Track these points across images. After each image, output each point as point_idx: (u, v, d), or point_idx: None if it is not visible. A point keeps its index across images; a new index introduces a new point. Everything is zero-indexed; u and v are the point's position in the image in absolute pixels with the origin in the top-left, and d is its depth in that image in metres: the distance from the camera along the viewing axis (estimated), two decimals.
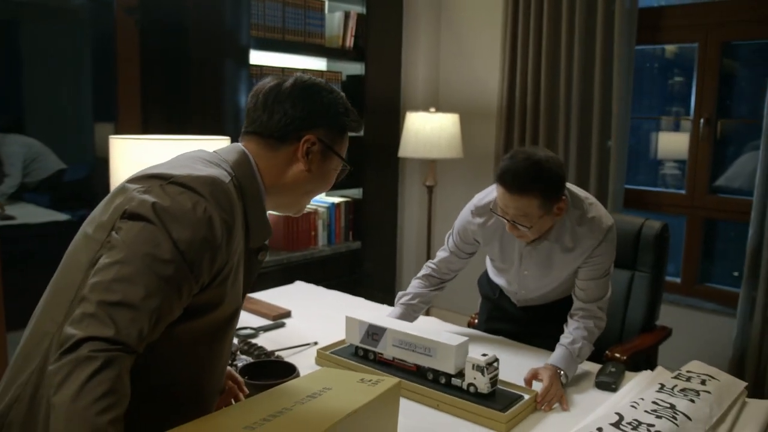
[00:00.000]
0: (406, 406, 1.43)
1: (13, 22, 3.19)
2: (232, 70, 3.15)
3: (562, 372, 1.61)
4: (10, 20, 3.17)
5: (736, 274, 3.23)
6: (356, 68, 3.57)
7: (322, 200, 3.59)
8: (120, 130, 3.09)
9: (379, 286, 3.69)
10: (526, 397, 1.50)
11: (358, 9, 3.52)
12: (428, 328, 1.72)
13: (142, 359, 0.91)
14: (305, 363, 1.70)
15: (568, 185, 1.78)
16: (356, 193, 3.69)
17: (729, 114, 3.20)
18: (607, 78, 3.15)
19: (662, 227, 2.20)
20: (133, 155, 1.91)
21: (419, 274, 2.01)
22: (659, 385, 1.47)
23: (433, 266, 2.00)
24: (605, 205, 3.16)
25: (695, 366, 1.60)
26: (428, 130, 3.34)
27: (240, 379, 1.39)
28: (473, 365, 1.47)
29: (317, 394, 1.07)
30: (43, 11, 3.20)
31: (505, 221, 1.70)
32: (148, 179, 1.03)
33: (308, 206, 3.48)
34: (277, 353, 1.77)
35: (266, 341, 1.88)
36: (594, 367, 1.74)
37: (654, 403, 1.37)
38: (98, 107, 3.43)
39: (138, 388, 0.89)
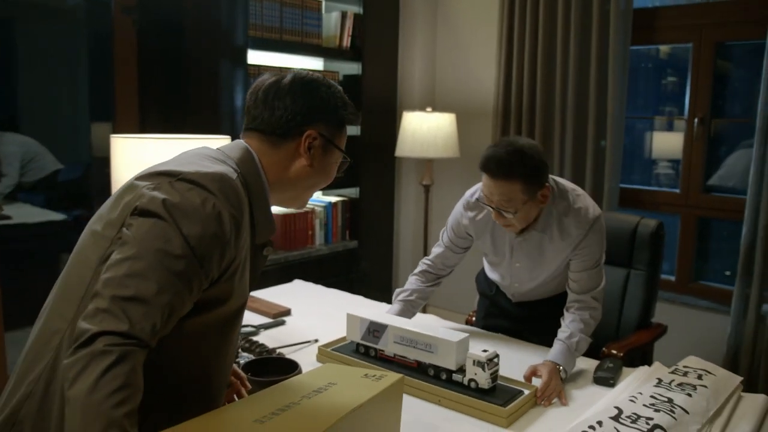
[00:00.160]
0: (407, 401, 1.45)
1: (11, 22, 3.19)
2: (229, 70, 3.16)
3: (560, 367, 1.63)
4: (7, 19, 3.17)
5: (728, 273, 3.27)
6: (353, 68, 3.58)
7: (320, 200, 3.61)
8: (117, 130, 3.10)
9: (376, 285, 3.71)
10: (526, 392, 1.52)
11: (354, 9, 3.54)
12: (428, 324, 1.74)
13: (151, 354, 0.92)
14: (306, 360, 1.72)
15: (556, 178, 1.84)
16: (353, 192, 3.71)
17: (722, 113, 3.24)
18: (603, 78, 3.18)
19: (657, 226, 2.23)
20: (134, 154, 1.92)
21: (416, 271, 2.04)
22: (657, 380, 1.50)
23: (428, 262, 2.03)
24: (601, 204, 3.21)
25: (692, 361, 1.62)
26: (425, 129, 3.36)
27: (242, 374, 1.40)
28: (474, 361, 1.49)
29: (323, 389, 1.09)
30: (41, 11, 3.20)
31: (491, 209, 1.74)
32: (156, 176, 1.04)
33: (306, 205, 3.49)
34: (278, 350, 1.78)
35: (267, 339, 1.90)
36: (592, 363, 1.76)
37: (652, 397, 1.39)
38: (95, 107, 3.43)
39: (148, 383, 0.90)
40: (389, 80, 3.80)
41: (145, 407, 0.88)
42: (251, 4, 2.99)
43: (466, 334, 1.56)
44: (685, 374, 1.53)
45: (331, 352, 1.74)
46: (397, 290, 2.01)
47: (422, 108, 3.61)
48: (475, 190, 1.90)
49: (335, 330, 1.95)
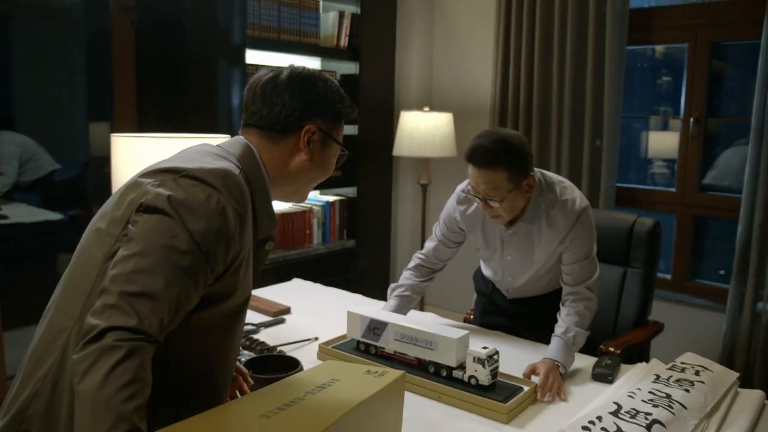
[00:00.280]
0: (408, 398, 1.46)
1: (9, 21, 3.18)
2: (227, 70, 3.16)
3: (559, 364, 1.65)
4: (4, 18, 3.16)
5: (722, 272, 3.30)
6: (350, 68, 3.60)
7: (317, 199, 3.62)
8: (115, 130, 3.10)
9: (373, 284, 3.71)
10: (526, 388, 1.53)
11: (352, 9, 3.55)
12: (428, 322, 1.75)
13: (158, 350, 0.93)
14: (306, 358, 1.73)
15: (543, 171, 1.87)
16: (351, 191, 3.72)
17: (717, 113, 3.26)
18: (599, 78, 3.20)
19: (654, 224, 2.24)
20: (134, 153, 1.92)
21: (409, 266, 2.07)
22: (655, 376, 1.51)
23: (422, 256, 2.06)
24: (597, 203, 3.23)
25: (689, 357, 1.64)
26: (422, 129, 3.37)
27: (244, 370, 1.41)
28: (474, 358, 1.50)
29: (326, 385, 1.10)
30: (40, 10, 3.20)
31: (478, 200, 1.77)
32: (160, 173, 1.05)
33: (303, 205, 3.51)
34: (279, 348, 1.79)
35: (267, 337, 1.91)
36: (590, 360, 1.77)
37: (651, 393, 1.41)
38: (94, 106, 3.43)
39: (155, 378, 0.91)
40: (387, 80, 3.81)
41: (152, 402, 0.89)
42: (249, 3, 3.00)
43: (467, 332, 1.58)
44: (683, 370, 1.55)
45: (331, 350, 1.75)
46: (392, 285, 2.03)
47: (419, 107, 3.62)
48: (466, 184, 1.93)
49: (335, 328, 1.96)
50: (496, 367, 1.52)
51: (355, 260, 3.67)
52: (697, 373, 1.52)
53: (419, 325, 1.62)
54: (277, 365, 1.52)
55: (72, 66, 3.44)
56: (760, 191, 2.77)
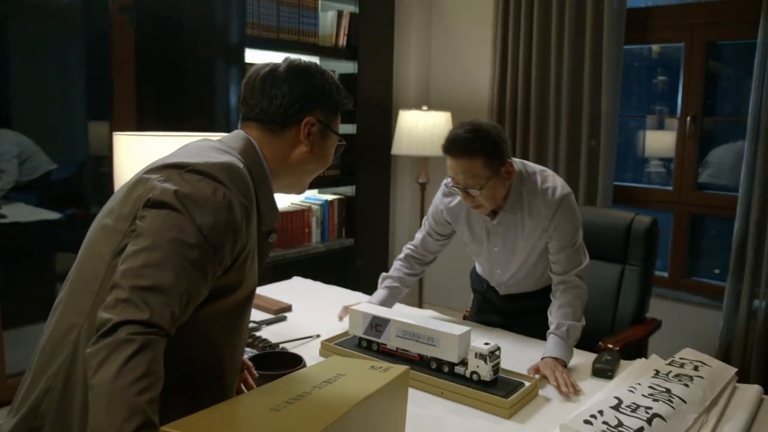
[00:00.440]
0: (411, 394, 1.47)
1: (8, 20, 3.19)
2: (227, 69, 3.17)
3: (559, 360, 1.66)
4: (4, 18, 3.16)
5: (717, 271, 3.33)
6: (349, 67, 3.61)
7: (316, 198, 3.63)
8: (115, 128, 3.10)
9: (372, 283, 3.70)
10: (527, 384, 1.55)
11: (350, 8, 3.56)
12: (429, 319, 1.76)
13: (167, 344, 0.94)
14: (309, 355, 1.73)
15: (524, 161, 1.89)
16: (349, 190, 3.73)
17: (713, 112, 3.29)
18: (597, 77, 3.22)
19: (652, 222, 2.26)
20: (136, 151, 1.93)
21: (400, 256, 2.12)
22: (654, 371, 1.53)
23: (412, 247, 2.11)
24: (595, 202, 3.25)
25: (688, 353, 1.66)
26: (421, 128, 3.39)
27: (249, 363, 1.42)
28: (476, 354, 1.51)
29: (333, 380, 1.11)
30: (39, 9, 3.20)
31: (459, 191, 1.79)
32: (165, 169, 1.05)
33: (302, 204, 3.52)
34: (281, 345, 1.80)
35: (269, 334, 1.92)
36: (590, 356, 1.79)
37: (650, 387, 1.42)
38: (93, 105, 3.43)
39: (165, 372, 0.92)
40: (385, 79, 3.82)
41: (162, 396, 0.90)
42: (248, 3, 3.01)
43: (468, 328, 1.59)
44: (682, 366, 1.57)
45: (334, 347, 1.76)
46: (383, 275, 2.09)
47: (418, 106, 3.63)
48: None
49: (336, 325, 1.98)
50: (498, 363, 1.54)
51: (354, 259, 3.68)
52: (695, 369, 1.54)
53: (421, 322, 1.63)
54: (280, 362, 1.53)
55: (71, 65, 3.44)
56: (756, 189, 2.80)
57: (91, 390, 0.86)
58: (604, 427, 1.26)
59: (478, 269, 2.17)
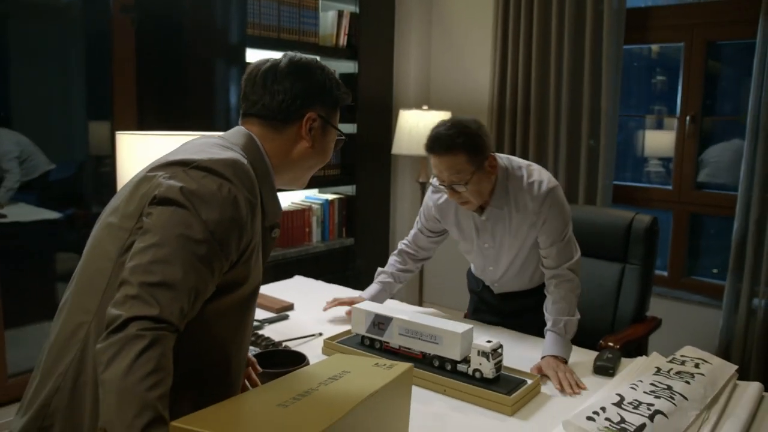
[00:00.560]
0: (414, 391, 1.47)
1: (8, 20, 3.19)
2: (227, 68, 3.18)
3: (560, 357, 1.67)
4: (4, 17, 3.17)
5: (715, 270, 3.34)
6: (349, 66, 3.61)
7: (316, 197, 3.64)
8: (116, 128, 3.10)
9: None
10: (530, 381, 1.56)
11: (351, 8, 3.57)
12: (432, 317, 1.77)
13: (176, 341, 0.95)
14: (312, 353, 1.74)
15: (510, 156, 1.90)
16: (349, 190, 3.74)
17: (712, 112, 3.30)
18: (596, 77, 3.23)
19: (652, 221, 2.27)
20: (138, 151, 1.94)
21: (395, 251, 2.15)
22: (656, 369, 1.54)
23: (405, 242, 2.15)
24: (595, 201, 3.26)
25: (688, 351, 1.67)
26: (421, 127, 3.39)
27: (252, 359, 1.43)
28: (479, 351, 1.52)
29: (338, 377, 1.12)
30: (40, 9, 3.21)
31: (445, 189, 1.80)
32: (170, 166, 1.06)
33: (302, 203, 3.53)
34: (284, 344, 1.81)
35: (272, 333, 1.92)
36: (591, 354, 1.80)
37: (652, 384, 1.43)
38: (94, 105, 3.44)
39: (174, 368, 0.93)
40: (385, 78, 3.83)
41: (170, 392, 0.91)
42: (249, 2, 3.02)
43: (471, 326, 1.60)
44: (683, 363, 1.58)
45: (337, 345, 1.77)
46: (379, 270, 2.13)
47: (418, 106, 3.64)
48: None
49: (338, 324, 1.99)
50: (500, 361, 1.54)
51: (354, 258, 3.69)
52: (696, 366, 1.55)
53: (423, 320, 1.64)
54: (283, 360, 1.53)
55: (72, 65, 3.45)
56: (755, 188, 2.81)
57: (101, 385, 0.86)
58: (607, 423, 1.27)
59: (473, 268, 2.18)
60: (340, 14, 3.50)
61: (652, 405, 1.33)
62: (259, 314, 2.09)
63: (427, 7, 3.98)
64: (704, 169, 3.28)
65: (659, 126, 3.62)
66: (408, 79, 3.96)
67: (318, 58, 3.56)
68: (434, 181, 1.95)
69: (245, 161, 1.10)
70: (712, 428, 1.34)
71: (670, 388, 1.42)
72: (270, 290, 2.37)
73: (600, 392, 1.52)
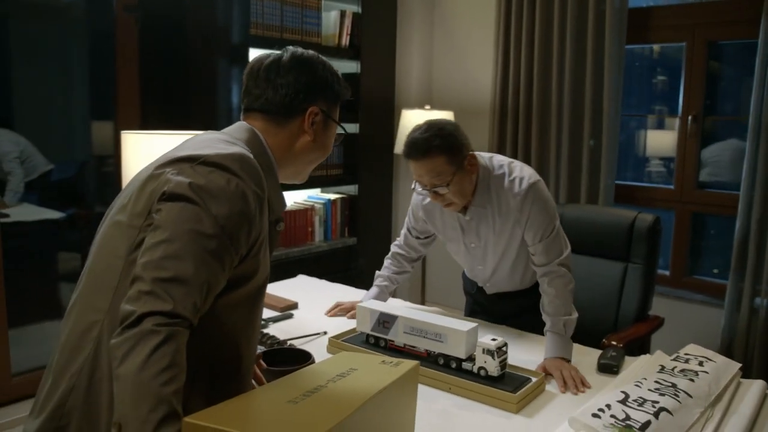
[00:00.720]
0: (419, 389, 1.48)
1: (9, 20, 3.19)
2: (231, 68, 3.18)
3: (562, 358, 1.68)
4: (5, 17, 3.17)
5: (716, 270, 3.34)
6: (352, 66, 3.62)
7: (319, 197, 3.65)
8: (119, 128, 3.10)
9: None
10: (534, 379, 1.56)
11: (353, 8, 3.58)
12: (436, 315, 1.78)
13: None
14: (317, 351, 1.74)
15: (493, 155, 1.89)
16: (352, 189, 3.75)
17: (714, 111, 3.31)
18: (598, 76, 3.24)
19: (654, 220, 2.28)
20: (143, 150, 1.94)
21: (388, 254, 2.19)
22: (660, 367, 1.55)
23: (398, 243, 2.18)
24: (596, 201, 3.27)
25: (692, 349, 1.68)
26: None
27: (258, 353, 1.44)
28: (484, 349, 1.53)
29: (346, 374, 1.13)
30: (41, 9, 3.21)
31: (428, 193, 1.81)
32: (177, 162, 1.06)
33: (305, 203, 3.53)
34: (289, 342, 1.82)
35: (277, 331, 1.93)
36: (595, 353, 1.81)
37: (656, 382, 1.44)
38: (97, 105, 3.44)
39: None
40: (387, 78, 3.84)
41: (183, 387, 0.91)
42: (252, 2, 3.03)
43: (476, 324, 1.61)
44: (687, 361, 1.59)
45: (342, 343, 1.78)
46: (377, 273, 2.16)
47: (420, 106, 3.65)
48: None
49: (342, 323, 2.00)
50: (505, 359, 1.55)
51: (357, 258, 3.70)
52: (700, 364, 1.56)
53: (428, 319, 1.65)
54: (288, 358, 1.54)
55: (74, 64, 3.45)
56: (757, 187, 2.82)
57: (116, 380, 0.87)
58: (612, 420, 1.27)
59: (465, 271, 2.19)
60: (343, 14, 3.51)
61: (657, 402, 1.33)
62: (264, 313, 2.09)
63: (429, 7, 3.99)
64: (705, 169, 3.29)
65: (661, 126, 3.63)
66: (410, 78, 3.97)
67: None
68: (417, 186, 1.95)
69: (251, 156, 1.11)
70: (717, 425, 1.35)
71: (674, 385, 1.43)
72: (274, 289, 2.37)
73: (605, 389, 1.53)
